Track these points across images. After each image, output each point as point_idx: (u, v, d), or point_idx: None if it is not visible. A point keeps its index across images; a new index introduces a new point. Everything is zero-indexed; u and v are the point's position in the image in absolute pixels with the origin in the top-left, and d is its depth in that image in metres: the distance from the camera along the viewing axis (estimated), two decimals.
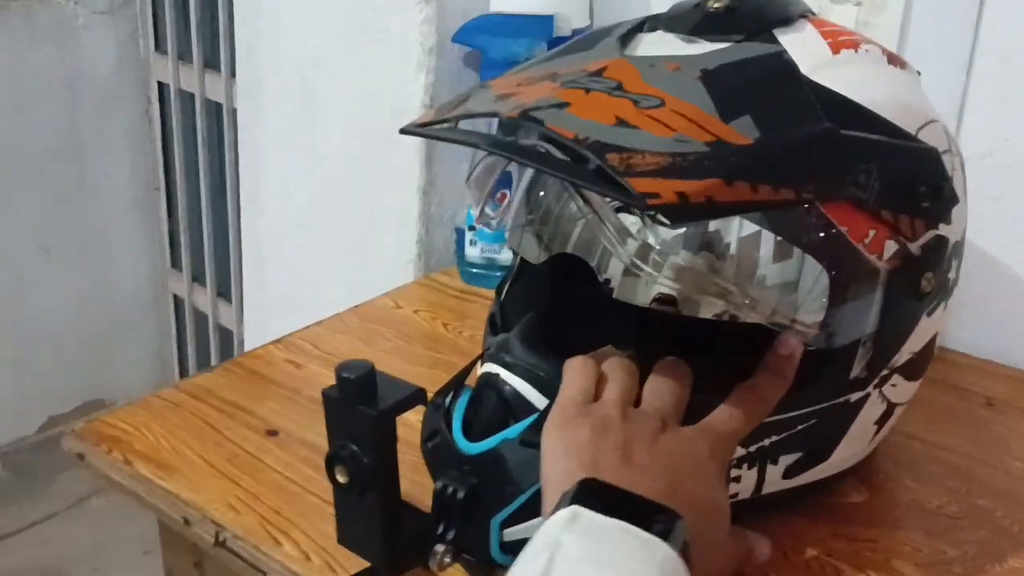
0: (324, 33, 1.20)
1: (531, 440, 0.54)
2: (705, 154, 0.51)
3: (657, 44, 0.61)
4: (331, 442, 0.56)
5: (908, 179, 0.58)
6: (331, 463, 0.56)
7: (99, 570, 1.90)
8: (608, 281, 0.57)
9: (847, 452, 0.65)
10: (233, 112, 1.75)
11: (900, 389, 0.65)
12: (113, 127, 2.05)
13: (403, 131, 0.57)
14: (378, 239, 1.20)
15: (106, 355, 2.17)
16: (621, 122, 0.51)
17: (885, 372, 0.62)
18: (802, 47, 0.59)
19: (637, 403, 0.56)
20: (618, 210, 0.57)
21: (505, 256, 1.04)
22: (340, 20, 1.18)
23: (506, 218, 0.66)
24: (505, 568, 0.47)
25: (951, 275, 0.64)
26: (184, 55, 1.91)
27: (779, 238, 0.54)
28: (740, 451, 0.59)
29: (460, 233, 1.07)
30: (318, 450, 0.76)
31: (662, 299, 0.55)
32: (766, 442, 0.60)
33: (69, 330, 2.09)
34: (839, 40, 0.61)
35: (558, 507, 0.46)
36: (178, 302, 2.20)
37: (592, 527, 0.45)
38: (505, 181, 1.04)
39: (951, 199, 0.61)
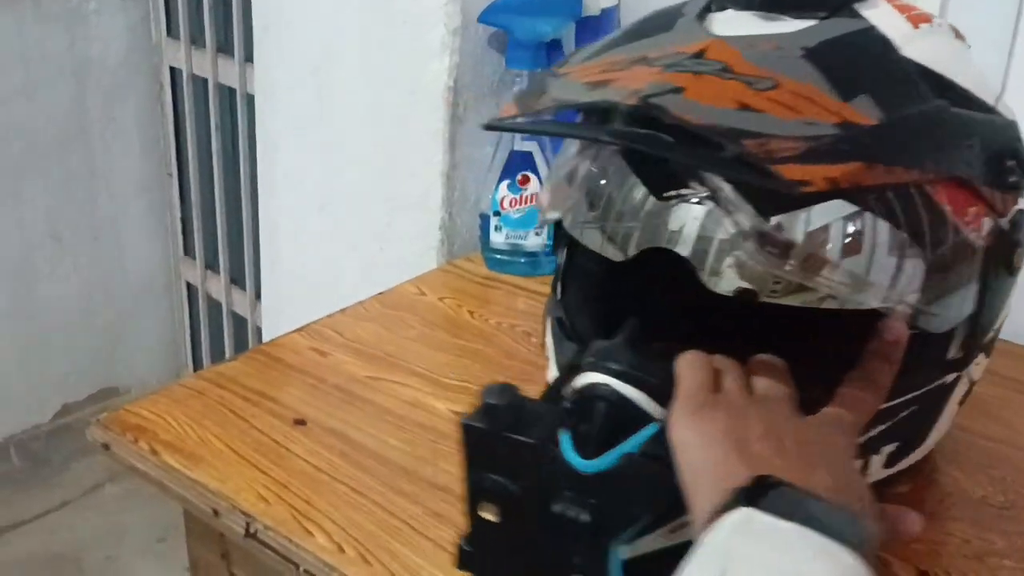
0: (344, 14, 1.18)
1: (655, 452, 0.50)
2: (839, 137, 0.49)
3: (734, 23, 0.58)
4: (471, 475, 0.52)
5: (999, 154, 0.57)
6: (475, 499, 0.52)
7: (113, 557, 1.89)
8: (717, 275, 0.54)
9: (937, 435, 0.65)
10: (247, 97, 1.73)
11: (980, 367, 0.65)
12: (125, 113, 2.03)
13: (488, 127, 0.54)
14: (397, 225, 1.18)
15: (119, 343, 2.16)
16: (744, 106, 0.49)
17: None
18: (886, 21, 0.57)
19: None
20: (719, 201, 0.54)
21: (531, 242, 1.02)
22: (360, 1, 1.16)
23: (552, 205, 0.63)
24: None
25: None
26: (197, 40, 1.89)
27: (887, 221, 0.53)
28: None
29: (485, 219, 1.05)
30: (346, 439, 0.75)
31: (780, 290, 0.54)
32: (874, 431, 0.59)
33: (81, 318, 2.08)
34: (913, 14, 0.60)
35: (725, 508, 0.42)
36: (191, 289, 2.18)
37: (769, 533, 0.40)
38: (526, 164, 1.03)
39: None
